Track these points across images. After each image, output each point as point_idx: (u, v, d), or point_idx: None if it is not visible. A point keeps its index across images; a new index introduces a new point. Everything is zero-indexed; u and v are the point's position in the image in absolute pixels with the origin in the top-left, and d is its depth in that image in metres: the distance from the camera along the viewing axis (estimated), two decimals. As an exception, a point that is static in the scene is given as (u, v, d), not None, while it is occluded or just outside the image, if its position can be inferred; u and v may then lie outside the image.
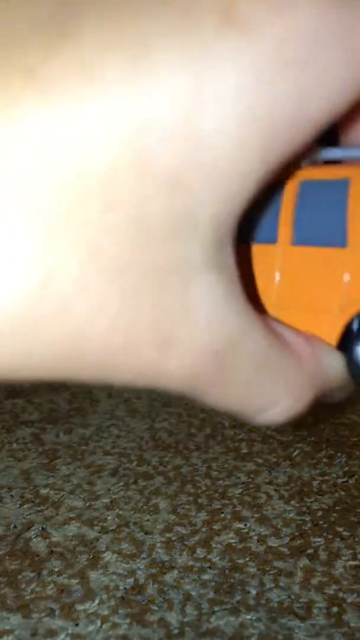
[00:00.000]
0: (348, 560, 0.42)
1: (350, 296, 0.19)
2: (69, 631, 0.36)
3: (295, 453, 0.56)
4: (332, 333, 0.22)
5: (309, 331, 0.18)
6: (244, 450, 0.56)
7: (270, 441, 0.58)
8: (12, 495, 0.49)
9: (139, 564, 0.41)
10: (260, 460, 0.54)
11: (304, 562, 0.42)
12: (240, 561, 0.42)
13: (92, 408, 0.65)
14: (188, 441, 0.58)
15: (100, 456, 0.55)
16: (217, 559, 0.42)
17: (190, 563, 0.41)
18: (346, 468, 0.53)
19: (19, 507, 0.46)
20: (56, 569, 0.41)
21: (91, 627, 0.36)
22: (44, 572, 0.41)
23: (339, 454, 0.55)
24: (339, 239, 0.18)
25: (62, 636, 0.36)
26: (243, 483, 0.51)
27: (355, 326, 0.23)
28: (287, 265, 0.19)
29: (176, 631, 0.36)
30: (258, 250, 0.18)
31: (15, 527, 0.45)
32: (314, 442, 0.58)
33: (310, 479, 0.51)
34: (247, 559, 0.42)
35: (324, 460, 0.55)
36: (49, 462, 0.54)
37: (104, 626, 0.36)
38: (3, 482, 0.51)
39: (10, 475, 0.52)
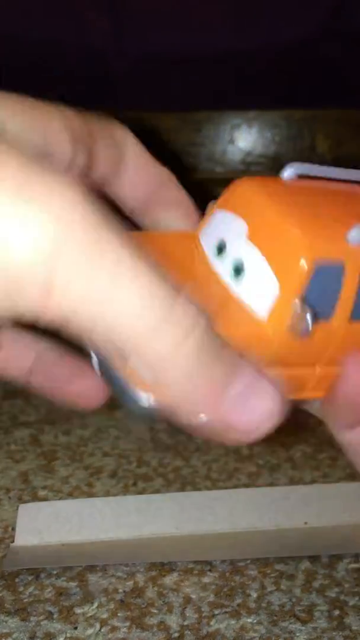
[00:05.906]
0: (350, 562, 0.41)
1: None
2: (68, 634, 0.36)
3: (297, 455, 0.55)
4: None
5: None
6: (245, 452, 0.56)
7: (271, 443, 0.58)
8: (10, 497, 0.49)
9: (138, 567, 0.41)
10: (261, 462, 0.54)
11: (305, 564, 0.41)
12: (241, 564, 0.41)
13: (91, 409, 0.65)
14: (188, 442, 0.58)
15: (99, 457, 0.55)
16: (218, 561, 0.41)
17: (190, 566, 0.41)
18: (348, 470, 0.53)
19: (17, 509, 0.46)
20: (54, 572, 0.40)
21: (90, 630, 0.36)
22: (42, 575, 0.40)
23: (340, 456, 0.55)
24: None
25: (61, 639, 0.35)
26: (244, 485, 0.50)
27: None
28: None
29: (176, 634, 0.36)
30: None
31: (13, 529, 0.45)
32: (315, 444, 0.57)
33: (311, 481, 0.51)
34: (248, 561, 0.41)
35: (326, 462, 0.54)
36: (47, 464, 0.54)
37: (103, 629, 0.36)
38: (1, 484, 0.51)
39: (8, 477, 0.52)
